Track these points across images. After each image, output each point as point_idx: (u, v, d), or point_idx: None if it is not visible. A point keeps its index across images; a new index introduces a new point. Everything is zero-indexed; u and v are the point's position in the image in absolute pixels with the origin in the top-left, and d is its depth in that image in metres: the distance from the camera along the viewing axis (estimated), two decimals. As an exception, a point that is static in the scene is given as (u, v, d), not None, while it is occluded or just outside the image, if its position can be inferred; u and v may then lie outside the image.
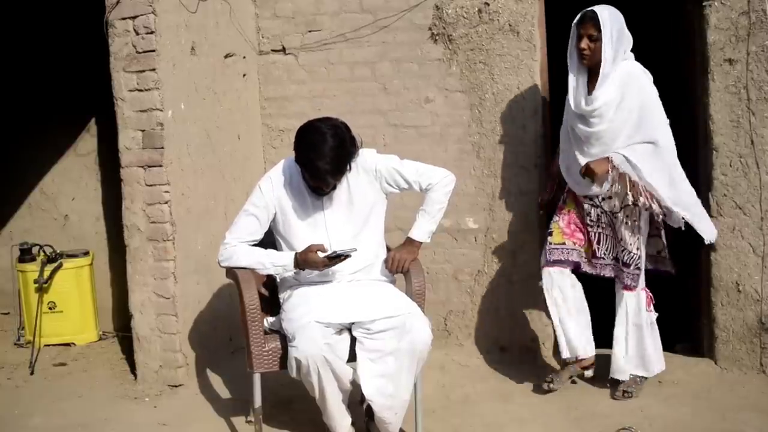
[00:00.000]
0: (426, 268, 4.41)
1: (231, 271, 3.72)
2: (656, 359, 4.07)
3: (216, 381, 4.48)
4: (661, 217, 3.91)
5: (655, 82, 3.91)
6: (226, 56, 4.74)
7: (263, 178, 3.76)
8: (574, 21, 3.91)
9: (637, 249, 3.95)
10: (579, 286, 4.09)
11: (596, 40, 3.82)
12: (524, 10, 4.50)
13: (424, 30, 4.69)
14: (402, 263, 3.67)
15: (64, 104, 5.55)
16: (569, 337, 4.05)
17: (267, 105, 5.06)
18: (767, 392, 4.02)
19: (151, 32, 4.20)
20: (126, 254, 4.45)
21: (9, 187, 5.85)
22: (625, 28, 3.86)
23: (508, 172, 4.61)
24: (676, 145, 3.92)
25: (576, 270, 4.10)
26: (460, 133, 4.68)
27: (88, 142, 5.65)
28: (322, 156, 3.42)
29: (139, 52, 4.23)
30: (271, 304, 3.79)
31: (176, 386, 4.39)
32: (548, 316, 4.24)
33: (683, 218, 3.91)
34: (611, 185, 3.87)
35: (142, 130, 4.30)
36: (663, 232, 4.04)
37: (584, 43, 3.85)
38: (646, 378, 4.09)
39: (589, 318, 4.10)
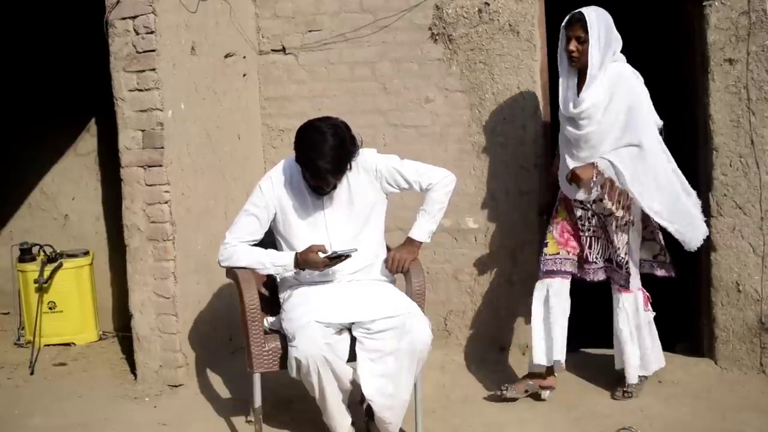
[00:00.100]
0: (426, 268, 4.41)
1: (231, 271, 3.72)
2: (655, 358, 4.07)
3: (216, 381, 4.48)
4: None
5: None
6: (226, 56, 4.74)
7: (263, 177, 3.76)
8: (563, 23, 3.89)
9: (626, 253, 3.91)
10: (567, 300, 4.02)
11: (584, 41, 3.79)
12: (524, 10, 4.50)
13: (424, 30, 4.69)
14: (402, 263, 3.67)
15: (64, 104, 5.55)
16: (534, 346, 3.99)
17: (267, 105, 5.06)
18: (767, 392, 4.02)
19: (151, 32, 4.20)
20: (126, 254, 4.45)
21: (9, 187, 5.86)
22: (614, 29, 3.82)
23: (508, 172, 4.61)
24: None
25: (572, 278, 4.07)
26: (460, 133, 4.68)
27: (88, 142, 5.65)
28: (322, 155, 3.43)
29: (139, 52, 4.24)
30: (271, 304, 3.79)
31: (176, 386, 4.39)
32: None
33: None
34: (597, 191, 3.83)
35: (142, 130, 4.30)
36: (660, 236, 4.01)
37: (572, 45, 3.82)
38: (646, 377, 4.09)
39: (565, 334, 4.03)
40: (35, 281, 5.15)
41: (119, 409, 4.22)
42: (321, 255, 3.53)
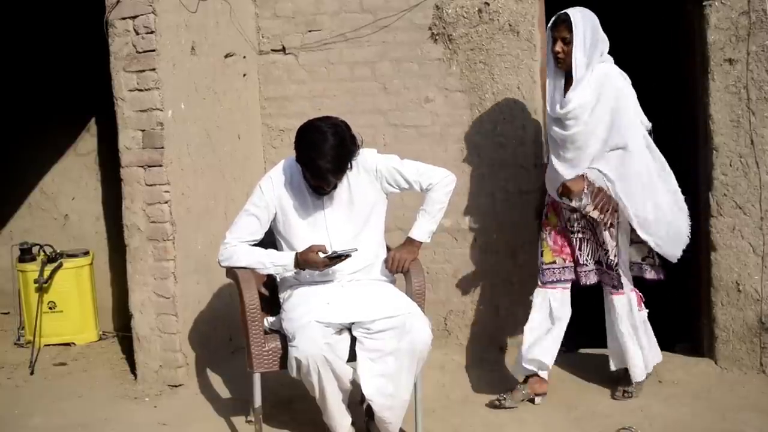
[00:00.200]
0: (426, 268, 4.41)
1: (231, 271, 3.72)
2: (653, 355, 4.06)
3: (216, 381, 4.48)
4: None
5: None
6: (226, 56, 4.74)
7: (264, 177, 3.76)
8: (549, 24, 3.88)
9: (616, 255, 3.88)
10: (569, 309, 4.03)
11: (570, 42, 3.77)
12: (524, 10, 4.50)
13: (424, 30, 4.69)
14: (402, 263, 3.67)
15: (64, 104, 5.55)
16: (525, 352, 4.00)
17: (267, 105, 5.06)
18: (767, 392, 4.02)
19: (151, 32, 4.20)
20: (126, 254, 4.45)
21: (9, 187, 5.85)
22: (600, 29, 3.80)
23: (508, 172, 4.60)
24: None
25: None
26: (460, 133, 4.68)
27: (88, 142, 5.65)
28: (323, 155, 3.43)
29: (139, 52, 4.24)
30: (271, 303, 3.79)
31: (176, 386, 4.39)
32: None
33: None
34: (589, 202, 3.79)
35: (142, 130, 4.30)
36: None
37: (558, 47, 3.80)
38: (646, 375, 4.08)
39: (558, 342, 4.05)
40: (35, 281, 5.15)
41: (119, 409, 4.22)
42: (321, 255, 3.53)
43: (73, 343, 5.26)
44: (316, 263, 3.54)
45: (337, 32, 4.85)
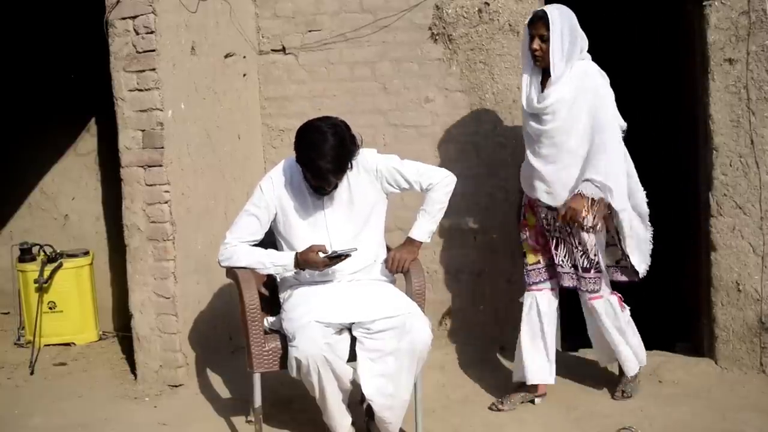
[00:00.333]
0: (426, 268, 4.41)
1: (231, 271, 3.72)
2: (642, 350, 4.03)
3: (216, 381, 4.48)
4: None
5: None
6: (226, 56, 4.74)
7: (264, 178, 3.76)
8: (527, 21, 3.86)
9: (596, 254, 3.83)
10: (556, 309, 4.01)
11: (547, 40, 3.72)
12: (524, 10, 4.50)
13: (424, 30, 4.69)
14: (402, 263, 3.67)
15: (64, 104, 5.55)
16: (527, 363, 3.97)
17: (267, 105, 5.06)
18: (767, 392, 4.02)
19: (151, 32, 4.20)
20: (126, 254, 4.45)
21: (9, 187, 5.85)
22: (578, 27, 3.74)
23: (508, 172, 4.60)
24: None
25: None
26: (460, 133, 4.68)
27: (88, 142, 5.65)
28: (323, 155, 3.43)
29: (139, 52, 4.24)
30: (271, 303, 3.79)
31: (176, 386, 4.39)
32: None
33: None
34: (598, 221, 3.72)
35: (142, 130, 4.30)
36: (622, 242, 3.85)
37: (536, 44, 3.75)
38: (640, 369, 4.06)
39: (554, 342, 4.03)
40: (35, 281, 5.15)
41: (119, 409, 4.22)
42: (321, 255, 3.53)
43: (73, 343, 5.26)
44: (316, 263, 3.54)
45: (337, 32, 4.85)
